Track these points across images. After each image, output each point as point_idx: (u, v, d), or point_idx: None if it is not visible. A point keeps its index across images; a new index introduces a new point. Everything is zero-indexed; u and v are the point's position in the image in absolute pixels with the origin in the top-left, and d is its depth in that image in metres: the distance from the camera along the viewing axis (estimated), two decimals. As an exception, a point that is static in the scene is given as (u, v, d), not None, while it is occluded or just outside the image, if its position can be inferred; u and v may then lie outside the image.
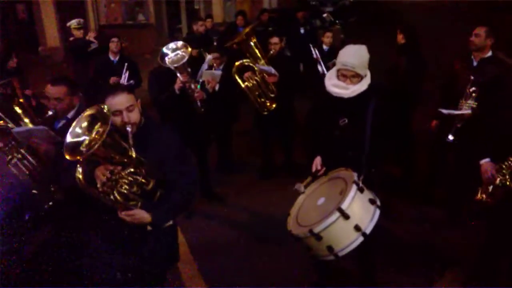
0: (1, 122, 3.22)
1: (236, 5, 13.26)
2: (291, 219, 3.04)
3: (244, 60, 5.29)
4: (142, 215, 2.40)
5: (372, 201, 2.85)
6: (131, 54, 12.75)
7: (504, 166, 3.16)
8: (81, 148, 2.19)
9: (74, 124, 2.27)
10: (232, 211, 5.07)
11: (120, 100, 2.44)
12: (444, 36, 10.84)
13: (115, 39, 6.26)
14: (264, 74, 5.26)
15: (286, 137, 5.89)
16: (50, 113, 3.18)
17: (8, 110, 3.23)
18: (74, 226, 3.12)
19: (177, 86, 4.36)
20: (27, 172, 3.14)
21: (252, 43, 5.29)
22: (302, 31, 8.58)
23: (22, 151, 3.13)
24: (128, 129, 2.35)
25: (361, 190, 2.83)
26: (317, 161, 3.28)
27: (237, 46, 5.41)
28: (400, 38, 5.23)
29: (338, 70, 3.15)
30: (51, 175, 3.17)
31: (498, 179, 3.16)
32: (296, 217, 3.03)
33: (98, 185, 2.28)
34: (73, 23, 7.31)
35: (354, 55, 3.10)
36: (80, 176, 2.24)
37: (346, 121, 3.18)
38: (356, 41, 3.34)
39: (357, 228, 2.72)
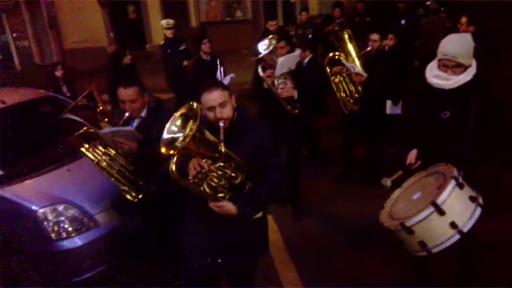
0: (85, 128, 3.47)
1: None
2: (384, 212, 2.98)
3: (336, 53, 5.08)
4: (229, 207, 2.49)
5: (473, 199, 2.67)
6: (229, 50, 13.24)
7: None
8: (176, 144, 2.32)
9: (169, 122, 2.40)
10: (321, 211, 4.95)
11: (214, 97, 2.50)
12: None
13: (206, 41, 6.38)
14: (352, 73, 4.99)
15: (371, 140, 5.35)
16: (126, 114, 3.35)
17: (93, 119, 3.47)
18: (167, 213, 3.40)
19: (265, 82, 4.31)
20: (115, 171, 3.35)
21: (345, 36, 5.07)
22: (403, 22, 8.00)
23: (108, 151, 3.35)
24: (221, 124, 2.41)
25: (460, 186, 2.67)
26: (412, 154, 3.17)
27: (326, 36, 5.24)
28: None
29: (439, 60, 2.95)
30: (138, 170, 3.39)
31: None
32: (390, 210, 2.96)
33: (190, 177, 2.40)
34: (163, 23, 7.63)
35: (456, 43, 2.91)
36: (173, 168, 2.35)
37: (448, 114, 2.98)
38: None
39: (453, 225, 2.59)
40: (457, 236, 2.59)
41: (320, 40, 7.51)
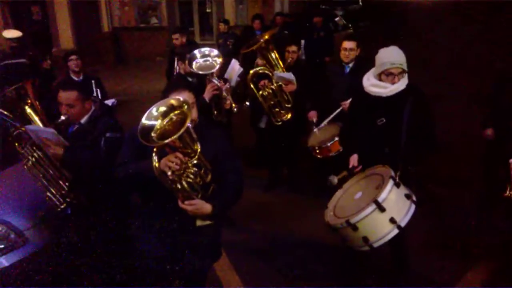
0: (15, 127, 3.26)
1: (248, 8, 13.26)
2: (329, 212, 3.21)
3: (260, 68, 5.26)
4: (204, 205, 2.51)
5: (408, 196, 3.00)
6: (144, 57, 12.96)
7: None
8: (152, 134, 2.31)
9: (151, 109, 2.39)
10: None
11: (184, 97, 2.52)
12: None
13: (74, 57, 5.73)
14: (281, 83, 5.21)
15: (293, 148, 5.70)
16: (62, 118, 3.19)
17: (19, 110, 3.24)
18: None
19: (208, 94, 4.23)
20: (40, 175, 3.17)
21: (270, 51, 5.26)
22: (315, 36, 8.54)
23: (36, 153, 3.16)
24: (189, 124, 2.40)
25: (397, 185, 2.98)
26: (354, 158, 3.43)
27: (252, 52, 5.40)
28: None
29: (384, 71, 3.28)
30: (63, 178, 3.20)
31: None
32: (334, 210, 3.19)
33: (168, 173, 2.38)
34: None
35: (398, 53, 3.31)
36: (157, 164, 2.37)
37: (384, 120, 3.33)
38: (370, 45, 3.46)
39: (392, 220, 2.86)
40: (396, 231, 2.87)
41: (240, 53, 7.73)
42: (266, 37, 5.26)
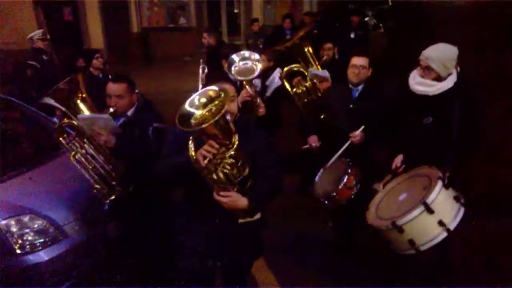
0: (65, 119, 3.28)
1: (277, 8, 13.22)
2: (370, 213, 3.11)
3: (295, 65, 5.19)
4: (239, 198, 2.45)
5: (457, 198, 2.87)
6: (172, 57, 13.04)
7: None
8: (192, 121, 2.29)
9: (193, 96, 2.37)
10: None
11: (230, 88, 2.54)
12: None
13: (98, 55, 5.98)
14: (315, 81, 5.15)
15: None
16: (111, 110, 3.22)
17: (71, 103, 3.27)
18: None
19: (241, 99, 4.07)
20: (90, 167, 3.18)
21: (305, 48, 5.21)
22: (352, 35, 8.41)
23: (86, 145, 3.17)
24: (228, 117, 2.39)
25: (446, 186, 2.86)
26: (398, 159, 3.35)
27: (287, 50, 5.34)
28: None
29: (419, 60, 3.19)
30: (113, 169, 3.23)
31: None
32: (376, 211, 3.09)
33: (204, 162, 2.34)
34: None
35: (435, 49, 3.16)
36: (193, 153, 2.35)
37: (431, 119, 3.21)
38: (400, 44, 3.39)
39: (441, 223, 2.76)
40: (444, 234, 2.76)
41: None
42: (301, 34, 5.23)
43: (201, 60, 6.10)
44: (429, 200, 2.75)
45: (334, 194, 3.50)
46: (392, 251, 3.03)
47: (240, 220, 2.60)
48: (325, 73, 5.08)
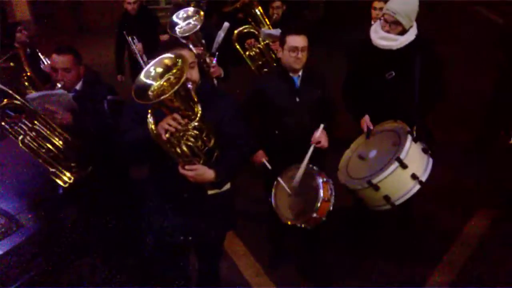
0: (5, 100, 2.94)
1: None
2: (341, 173, 3.10)
3: (246, 26, 4.99)
4: (205, 170, 2.34)
5: (425, 150, 2.93)
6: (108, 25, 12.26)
7: None
8: (149, 93, 2.14)
9: (148, 66, 2.21)
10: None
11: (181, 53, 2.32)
12: None
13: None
14: (268, 41, 4.99)
15: None
16: (58, 86, 2.98)
17: (16, 84, 3.04)
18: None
19: None
20: (43, 150, 2.87)
21: (255, 8, 5.00)
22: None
23: (36, 126, 2.85)
24: (189, 86, 2.24)
25: (415, 140, 2.90)
26: (367, 119, 3.30)
27: (236, 11, 5.13)
28: None
29: (382, 15, 3.15)
30: (70, 149, 2.96)
31: None
32: (347, 171, 3.07)
33: (166, 135, 2.20)
34: None
35: (399, 1, 3.09)
36: (153, 127, 2.21)
37: (393, 74, 3.18)
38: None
39: (413, 176, 2.80)
40: (418, 186, 2.82)
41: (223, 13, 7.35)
42: (247, -5, 5.02)
43: (124, 32, 5.69)
44: (402, 155, 2.77)
45: (314, 215, 2.91)
46: (363, 207, 3.08)
47: (209, 192, 2.50)
48: (278, 32, 4.91)
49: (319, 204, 2.88)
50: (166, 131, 2.19)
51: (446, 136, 4.87)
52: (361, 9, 5.62)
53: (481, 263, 3.57)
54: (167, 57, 2.22)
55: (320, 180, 2.96)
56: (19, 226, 3.19)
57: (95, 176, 3.04)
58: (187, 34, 3.91)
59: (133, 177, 3.44)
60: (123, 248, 3.42)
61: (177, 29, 3.95)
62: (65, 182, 2.94)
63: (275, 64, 4.98)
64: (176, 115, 2.20)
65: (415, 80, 3.11)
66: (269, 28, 5.01)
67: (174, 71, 2.18)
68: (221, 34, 4.36)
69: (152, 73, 2.20)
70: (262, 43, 4.97)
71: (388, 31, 3.12)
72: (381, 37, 3.16)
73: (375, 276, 3.51)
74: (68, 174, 2.93)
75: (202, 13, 4.03)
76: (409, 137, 2.87)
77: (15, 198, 3.26)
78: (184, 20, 3.99)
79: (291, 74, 3.16)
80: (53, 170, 2.92)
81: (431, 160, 2.90)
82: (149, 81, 2.19)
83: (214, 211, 2.61)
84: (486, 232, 3.92)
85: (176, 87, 2.06)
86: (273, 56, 5.00)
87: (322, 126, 3.09)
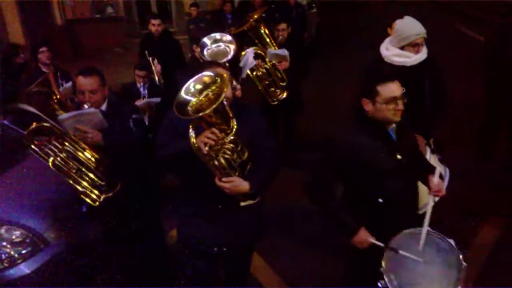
0: (34, 124, 3.02)
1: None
2: None
3: (253, 48, 5.16)
4: (241, 182, 2.45)
5: (441, 160, 3.11)
6: (102, 49, 12.40)
7: None
8: (188, 108, 2.27)
9: (188, 83, 2.33)
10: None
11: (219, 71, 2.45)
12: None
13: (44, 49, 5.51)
14: (275, 62, 5.15)
15: (291, 124, 5.83)
16: (86, 107, 3.03)
17: (47, 108, 3.09)
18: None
19: None
20: (73, 170, 2.92)
21: (261, 29, 5.18)
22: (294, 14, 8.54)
23: (67, 147, 2.91)
24: (224, 102, 2.34)
25: (433, 151, 3.09)
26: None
27: (243, 33, 5.27)
28: None
29: (408, 43, 3.36)
30: (99, 169, 3.02)
31: None
32: None
33: (205, 148, 2.32)
34: None
35: (418, 24, 3.37)
36: (194, 140, 2.31)
37: (404, 90, 3.23)
38: (333, 23, 3.54)
39: None
40: (436, 198, 2.71)
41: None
42: (256, 16, 5.20)
43: (146, 52, 5.86)
44: None
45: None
46: None
47: (242, 204, 2.60)
48: (284, 52, 5.12)
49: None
50: (206, 144, 2.31)
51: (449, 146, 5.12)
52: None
53: (494, 271, 3.65)
54: (206, 75, 2.36)
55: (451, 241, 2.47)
56: (46, 245, 3.22)
57: (124, 193, 3.09)
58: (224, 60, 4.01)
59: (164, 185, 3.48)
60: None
61: (205, 51, 4.07)
62: (94, 201, 2.99)
63: (281, 84, 5.19)
64: (214, 129, 2.33)
65: (425, 95, 3.30)
66: (275, 49, 5.19)
67: (213, 88, 2.31)
68: (252, 61, 4.55)
69: (192, 90, 2.34)
70: (269, 63, 5.14)
71: (417, 52, 3.35)
72: (395, 54, 3.38)
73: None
74: (97, 192, 2.99)
75: (234, 45, 4.19)
76: (428, 149, 3.01)
77: (41, 216, 3.28)
78: (215, 43, 4.12)
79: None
80: (83, 189, 2.96)
81: (447, 169, 3.03)
82: (188, 97, 2.32)
83: (246, 222, 2.70)
84: (498, 240, 4.03)
85: (216, 104, 2.19)
86: (279, 75, 5.19)
87: (438, 169, 2.70)
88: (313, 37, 9.69)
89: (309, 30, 9.45)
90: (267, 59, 5.10)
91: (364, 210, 2.60)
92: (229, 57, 4.07)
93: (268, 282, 3.84)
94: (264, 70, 5.16)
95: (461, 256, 2.36)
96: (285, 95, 5.24)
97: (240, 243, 2.75)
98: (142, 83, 5.19)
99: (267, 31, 5.22)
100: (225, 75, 2.39)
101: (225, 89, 2.25)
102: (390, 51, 3.45)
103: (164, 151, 2.54)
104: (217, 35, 4.20)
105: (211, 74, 2.35)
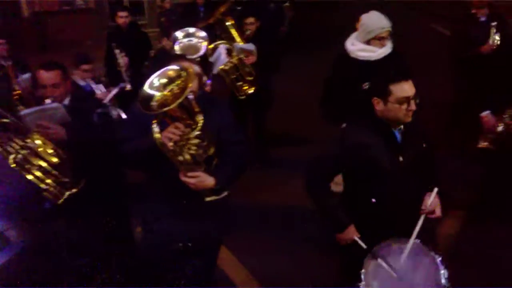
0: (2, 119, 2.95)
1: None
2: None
3: (219, 42, 5.15)
4: (207, 178, 2.46)
5: None
6: (72, 42, 12.14)
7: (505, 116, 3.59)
8: (152, 103, 2.26)
9: (152, 77, 2.32)
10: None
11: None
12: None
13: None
14: (242, 56, 5.15)
15: (261, 119, 5.78)
16: (47, 102, 2.97)
17: (7, 103, 3.02)
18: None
19: None
20: (35, 167, 2.83)
21: (228, 23, 5.16)
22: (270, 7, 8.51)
23: (29, 144, 2.82)
24: (191, 96, 2.34)
25: None
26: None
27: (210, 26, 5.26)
28: None
29: (374, 37, 3.42)
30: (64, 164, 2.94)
31: (500, 127, 3.59)
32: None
33: (170, 144, 2.32)
34: None
35: (384, 17, 3.46)
36: (158, 135, 2.31)
37: (369, 84, 3.36)
38: (307, 19, 3.59)
39: None
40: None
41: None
42: (222, 9, 5.18)
43: (113, 44, 5.79)
44: None
45: None
46: None
47: (207, 199, 2.61)
48: (251, 47, 5.11)
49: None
50: (170, 139, 2.32)
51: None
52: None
53: (456, 265, 3.73)
54: (171, 69, 2.36)
55: (437, 258, 2.46)
56: (7, 243, 3.18)
57: (89, 189, 3.04)
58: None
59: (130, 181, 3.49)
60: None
61: (176, 45, 4.04)
62: (57, 198, 2.94)
63: (249, 78, 5.20)
64: (179, 124, 2.34)
65: None
66: (242, 43, 5.19)
67: (178, 82, 2.31)
68: (224, 58, 4.61)
69: (156, 84, 2.34)
70: (236, 58, 5.13)
71: (383, 45, 3.44)
72: (360, 49, 3.46)
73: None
74: (60, 189, 2.93)
75: (206, 43, 4.25)
76: None
77: (1, 214, 3.25)
78: (186, 37, 4.09)
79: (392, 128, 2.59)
80: (46, 187, 2.90)
81: None
82: (152, 92, 2.32)
83: (212, 218, 2.72)
84: (458, 233, 4.13)
85: (181, 99, 2.19)
86: (247, 70, 5.20)
87: (436, 190, 2.64)
88: (286, 32, 9.69)
89: (283, 25, 9.45)
90: (233, 54, 5.11)
91: (359, 209, 2.62)
92: (201, 53, 4.04)
93: (236, 276, 3.88)
94: (231, 64, 5.15)
95: (445, 276, 2.35)
96: (253, 90, 5.25)
97: (205, 238, 2.77)
98: (90, 79, 4.81)
99: (234, 25, 5.21)
100: (190, 69, 2.38)
101: (190, 84, 2.25)
102: (355, 46, 3.53)
103: (128, 146, 2.54)
104: (190, 30, 4.17)
105: (176, 68, 2.35)
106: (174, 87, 2.30)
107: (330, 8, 12.05)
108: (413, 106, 2.45)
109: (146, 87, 2.31)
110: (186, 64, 2.46)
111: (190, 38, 4.14)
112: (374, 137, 2.52)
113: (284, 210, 4.65)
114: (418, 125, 2.65)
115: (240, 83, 5.24)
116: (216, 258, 3.11)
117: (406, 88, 2.45)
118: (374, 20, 3.47)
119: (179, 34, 4.10)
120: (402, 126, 2.57)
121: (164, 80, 2.33)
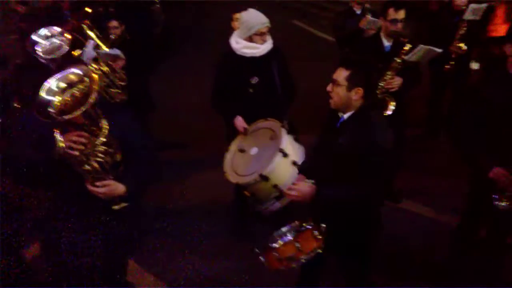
0: None
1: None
2: (230, 174, 3.29)
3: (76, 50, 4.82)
4: (117, 185, 2.35)
5: (296, 140, 3.33)
6: None
7: None
8: (51, 110, 2.09)
9: (49, 82, 2.16)
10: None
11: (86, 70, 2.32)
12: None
13: None
14: (109, 62, 4.89)
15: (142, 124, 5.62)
16: None
17: None
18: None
19: None
20: None
21: (87, 30, 4.86)
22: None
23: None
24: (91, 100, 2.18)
25: (288, 132, 3.31)
26: (240, 121, 3.62)
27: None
28: None
29: (255, 33, 3.61)
30: None
31: None
32: (235, 171, 3.28)
33: (74, 154, 2.16)
34: None
35: (262, 14, 3.66)
36: (62, 144, 2.14)
37: (257, 79, 3.65)
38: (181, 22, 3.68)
39: (294, 163, 3.09)
40: (297, 170, 3.07)
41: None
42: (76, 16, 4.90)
43: None
44: (282, 146, 3.08)
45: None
46: (254, 203, 3.25)
47: (115, 207, 2.46)
48: (116, 51, 4.89)
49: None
50: (73, 148, 2.15)
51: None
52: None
53: (403, 261, 3.96)
54: (73, 73, 2.20)
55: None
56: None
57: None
58: (52, 57, 3.61)
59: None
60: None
61: (39, 49, 3.64)
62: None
63: (121, 83, 4.94)
64: (82, 132, 2.20)
65: (275, 82, 3.67)
66: (106, 49, 4.92)
67: (81, 86, 2.16)
68: (91, 51, 4.38)
69: (55, 89, 2.17)
70: (103, 64, 4.85)
71: (264, 41, 3.63)
72: (245, 46, 3.62)
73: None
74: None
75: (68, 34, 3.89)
76: (283, 130, 3.26)
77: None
78: (46, 39, 3.74)
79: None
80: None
81: (302, 147, 3.26)
82: (50, 97, 2.14)
83: (121, 226, 2.58)
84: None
85: (87, 106, 2.06)
86: (117, 75, 4.91)
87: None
88: (160, 34, 9.48)
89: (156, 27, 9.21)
90: (99, 60, 4.82)
91: None
92: (67, 47, 3.75)
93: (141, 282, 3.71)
94: (99, 72, 4.86)
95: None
96: (125, 95, 5.01)
97: (115, 247, 2.62)
98: None
99: (96, 31, 4.92)
100: (95, 75, 2.23)
101: (97, 88, 2.12)
102: (239, 44, 3.68)
103: (21, 159, 2.29)
104: (45, 31, 3.81)
105: (80, 72, 2.20)
106: (75, 91, 2.16)
107: (199, 10, 12.17)
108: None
109: (43, 94, 2.13)
110: (87, 68, 2.32)
111: (50, 40, 3.77)
112: None
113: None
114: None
115: (112, 89, 4.97)
116: (126, 265, 2.98)
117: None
118: (254, 17, 3.67)
119: (36, 38, 3.72)
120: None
121: (63, 85, 2.17)
